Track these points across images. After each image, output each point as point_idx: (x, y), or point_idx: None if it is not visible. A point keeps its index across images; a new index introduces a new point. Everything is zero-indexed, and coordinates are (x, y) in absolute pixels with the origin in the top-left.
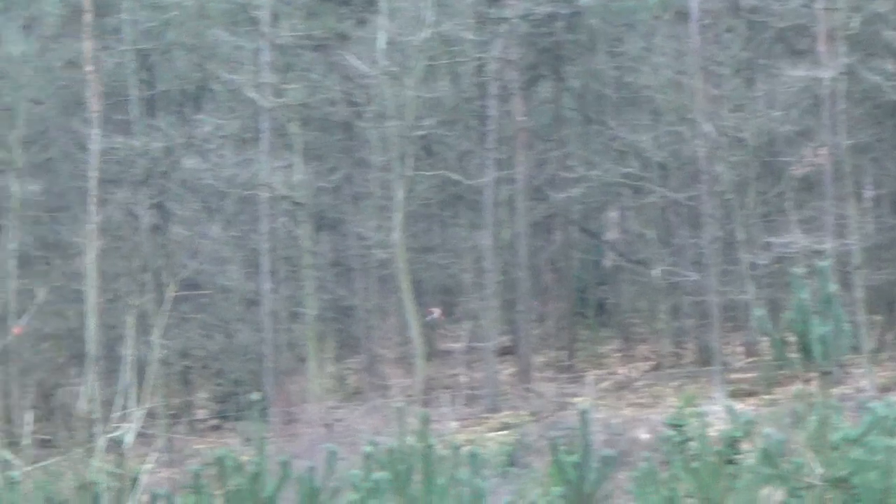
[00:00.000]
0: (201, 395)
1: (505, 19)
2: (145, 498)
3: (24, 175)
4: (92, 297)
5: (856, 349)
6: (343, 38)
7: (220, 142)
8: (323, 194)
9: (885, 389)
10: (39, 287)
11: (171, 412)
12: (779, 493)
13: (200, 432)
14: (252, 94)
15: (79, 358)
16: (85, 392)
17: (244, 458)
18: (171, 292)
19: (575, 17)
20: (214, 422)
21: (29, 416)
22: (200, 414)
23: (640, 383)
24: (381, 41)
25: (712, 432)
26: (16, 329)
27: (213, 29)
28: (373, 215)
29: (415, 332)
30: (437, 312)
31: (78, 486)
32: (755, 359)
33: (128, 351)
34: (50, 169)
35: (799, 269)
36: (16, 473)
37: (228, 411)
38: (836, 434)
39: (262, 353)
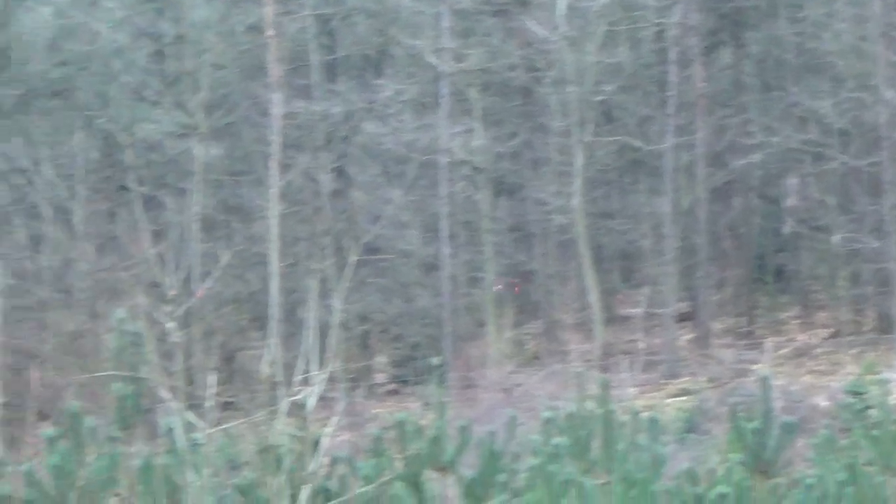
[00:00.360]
0: (380, 360)
1: None
2: (326, 461)
3: (207, 139)
4: (274, 261)
5: None
6: (523, 3)
7: (400, 107)
8: (502, 159)
9: None
10: (222, 250)
11: (351, 376)
12: None
13: (379, 396)
14: (432, 59)
15: (259, 321)
16: (267, 355)
17: (424, 422)
18: (352, 257)
19: None
20: (393, 386)
21: (212, 379)
22: (379, 378)
23: (818, 350)
24: (562, 6)
25: (893, 400)
26: (198, 292)
27: None
28: (552, 181)
29: (594, 297)
30: (505, 285)
31: (260, 449)
32: None
33: (310, 315)
34: (231, 133)
35: None
36: (199, 436)
37: (407, 376)
38: None
39: (440, 318)
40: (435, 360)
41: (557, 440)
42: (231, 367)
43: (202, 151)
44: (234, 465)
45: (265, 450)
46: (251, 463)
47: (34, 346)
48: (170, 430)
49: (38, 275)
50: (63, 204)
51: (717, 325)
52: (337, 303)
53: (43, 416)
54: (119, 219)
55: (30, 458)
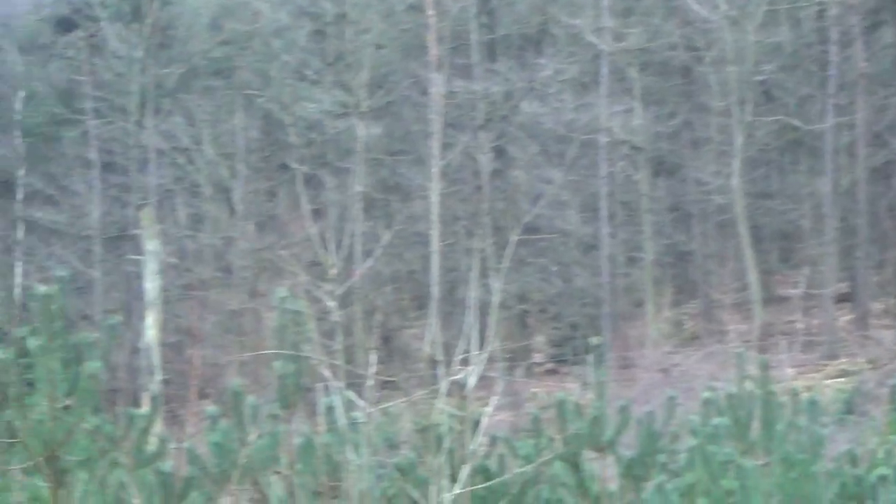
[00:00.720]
0: (538, 339)
1: None
2: (485, 440)
3: (367, 118)
4: (435, 241)
5: None
6: None
7: (560, 86)
8: (661, 139)
9: None
10: (382, 230)
11: (509, 355)
12: None
13: (537, 376)
14: (592, 38)
15: (418, 300)
16: (428, 334)
17: (583, 402)
18: (512, 236)
19: None
20: (551, 366)
21: (372, 358)
22: (537, 358)
23: None
24: None
25: None
26: (357, 271)
27: None
28: (711, 160)
29: (752, 277)
30: None
31: (420, 428)
32: None
33: (471, 294)
34: (391, 112)
35: None
36: (359, 414)
37: (565, 355)
38: None
39: (599, 298)
40: (595, 340)
41: (717, 421)
42: (389, 345)
43: (363, 130)
44: (392, 445)
45: (425, 429)
46: (411, 442)
47: (195, 324)
48: (330, 409)
49: (198, 254)
50: (224, 183)
51: (876, 306)
52: (497, 282)
53: (203, 395)
54: (279, 198)
55: (191, 437)
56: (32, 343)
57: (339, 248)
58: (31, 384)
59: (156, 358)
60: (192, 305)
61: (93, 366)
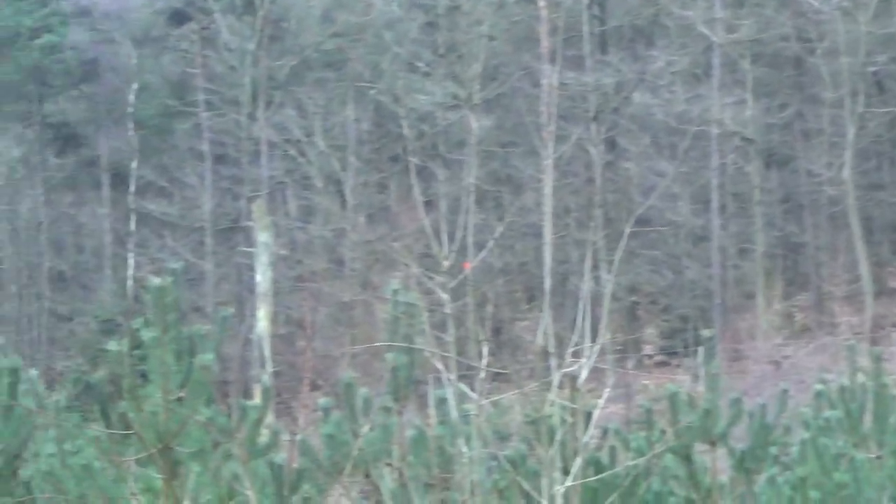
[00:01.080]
0: (649, 331)
1: None
2: (597, 433)
3: (479, 110)
4: (548, 232)
5: None
6: None
7: (672, 77)
8: (773, 130)
9: None
10: (493, 221)
11: (619, 347)
12: None
13: (647, 368)
14: (704, 29)
15: (528, 292)
16: (541, 326)
17: (693, 394)
18: (625, 228)
19: None
20: (661, 357)
21: (484, 349)
22: (648, 349)
23: None
24: None
25: None
26: (465, 263)
27: None
28: (823, 152)
29: (864, 269)
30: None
31: (532, 420)
32: None
33: (584, 286)
34: (502, 104)
35: None
36: (471, 406)
37: (675, 347)
38: None
39: (709, 290)
40: (707, 332)
41: (828, 413)
42: (500, 337)
43: (475, 123)
44: (502, 437)
45: (537, 421)
46: (521, 434)
47: (306, 316)
48: (442, 401)
49: (309, 245)
50: (335, 175)
51: None
52: (608, 274)
53: (314, 387)
54: (390, 189)
55: (303, 428)
56: (146, 335)
57: (451, 240)
58: (144, 376)
59: (267, 349)
60: (304, 297)
61: (206, 358)
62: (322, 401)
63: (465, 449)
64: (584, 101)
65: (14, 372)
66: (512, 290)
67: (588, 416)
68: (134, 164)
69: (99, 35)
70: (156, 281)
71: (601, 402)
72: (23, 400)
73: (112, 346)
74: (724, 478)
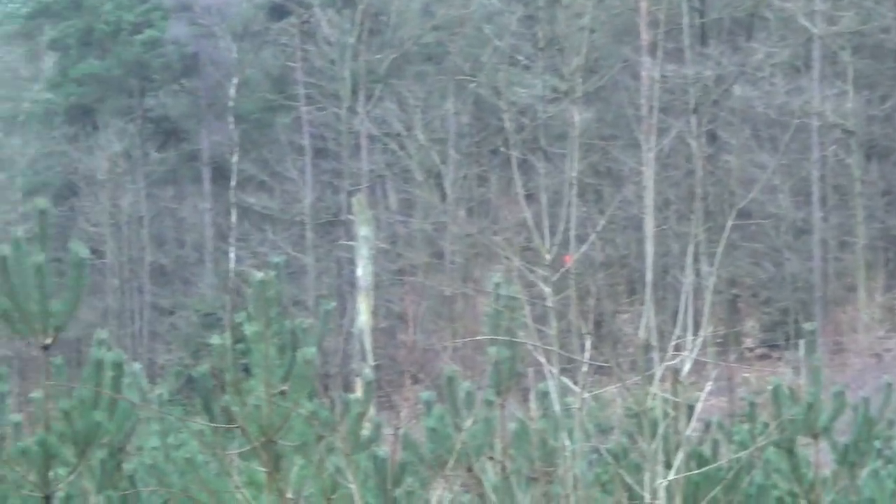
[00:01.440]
0: (750, 324)
1: None
2: (698, 426)
3: (579, 103)
4: (649, 225)
5: None
6: None
7: (772, 70)
8: (874, 122)
9: None
10: (594, 214)
11: (720, 340)
12: None
13: (748, 361)
14: (804, 21)
15: (628, 285)
16: (643, 320)
17: (795, 387)
18: (727, 221)
19: None
20: (762, 350)
21: (586, 342)
22: (748, 342)
23: None
24: None
25: None
26: (566, 257)
27: None
28: None
29: None
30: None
31: (634, 413)
32: None
33: (686, 279)
34: (601, 97)
35: None
36: (572, 400)
37: (776, 340)
38: None
39: (810, 282)
40: (809, 326)
41: None
42: (601, 330)
43: (577, 116)
44: (604, 430)
45: (639, 414)
46: (624, 427)
47: (407, 309)
48: (544, 395)
49: (410, 239)
50: (435, 168)
51: None
52: (710, 267)
53: (415, 380)
54: (490, 183)
55: (405, 422)
56: (249, 329)
57: (552, 234)
58: (247, 370)
59: (368, 343)
60: (404, 291)
61: (309, 351)
62: (424, 394)
63: (567, 442)
64: (685, 93)
65: (118, 366)
66: (613, 282)
67: (690, 409)
68: (234, 158)
69: (199, 30)
70: (258, 275)
71: (703, 395)
72: (126, 394)
73: (215, 340)
74: (826, 471)
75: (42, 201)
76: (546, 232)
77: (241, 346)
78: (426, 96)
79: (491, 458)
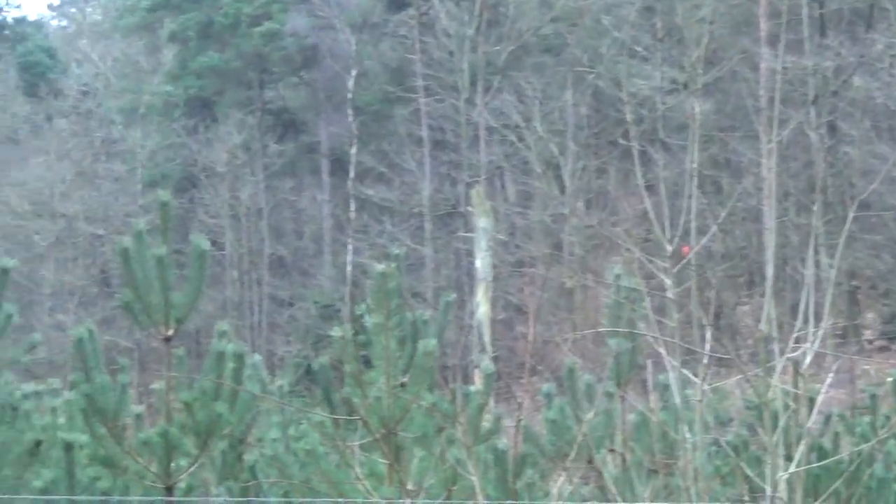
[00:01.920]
0: (869, 316)
1: None
2: (818, 418)
3: (699, 94)
4: (770, 217)
5: None
6: None
7: (892, 60)
8: None
9: None
10: (713, 206)
11: (839, 332)
12: None
13: (868, 353)
14: None
15: (747, 276)
16: (764, 311)
17: None
18: (849, 213)
19: None
20: (881, 342)
21: (707, 334)
22: (868, 334)
23: None
24: None
25: None
26: (685, 248)
27: None
28: None
29: None
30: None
31: (754, 406)
32: None
33: (808, 271)
34: (720, 88)
35: None
36: (693, 392)
37: None
38: None
39: None
40: None
41: None
42: (720, 322)
43: (697, 108)
44: (723, 422)
45: (760, 406)
46: (744, 420)
47: (526, 301)
48: (664, 387)
49: (528, 230)
50: (553, 160)
51: None
52: (831, 259)
53: (534, 372)
54: (609, 174)
55: (524, 413)
56: (369, 321)
57: (672, 225)
58: (367, 361)
59: (487, 335)
60: (523, 283)
61: (429, 343)
62: (545, 386)
63: (687, 434)
64: (804, 84)
65: (239, 357)
66: (733, 274)
67: (811, 401)
68: (353, 150)
69: (318, 21)
70: (379, 267)
71: (824, 387)
72: (247, 385)
73: (335, 331)
74: None
75: (163, 193)
76: (666, 223)
77: (361, 337)
78: (544, 88)
79: (611, 450)
